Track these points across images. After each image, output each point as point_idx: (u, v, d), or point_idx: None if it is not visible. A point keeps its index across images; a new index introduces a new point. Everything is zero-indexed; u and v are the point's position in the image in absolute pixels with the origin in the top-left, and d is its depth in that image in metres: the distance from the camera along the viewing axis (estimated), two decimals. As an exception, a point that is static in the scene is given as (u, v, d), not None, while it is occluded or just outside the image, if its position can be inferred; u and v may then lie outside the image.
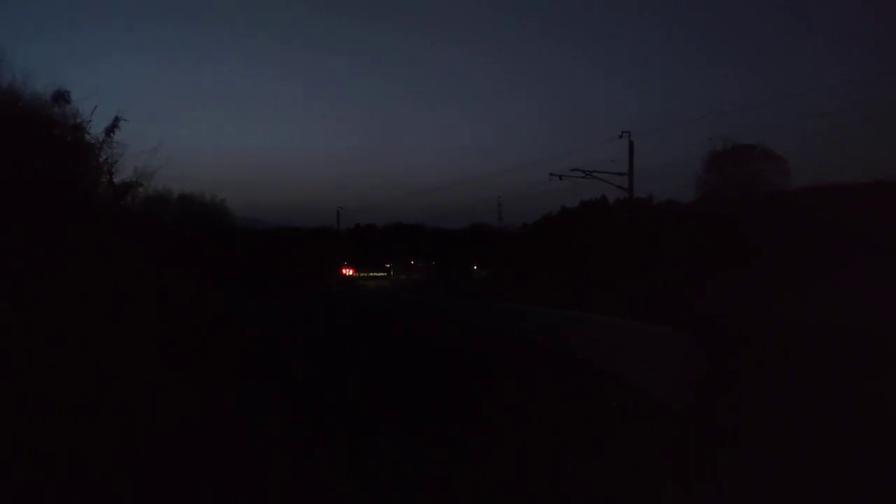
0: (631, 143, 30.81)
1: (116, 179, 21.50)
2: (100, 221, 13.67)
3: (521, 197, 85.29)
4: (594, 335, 11.03)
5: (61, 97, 19.16)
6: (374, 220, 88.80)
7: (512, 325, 15.94)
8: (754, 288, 21.73)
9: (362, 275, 77.13)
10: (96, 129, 19.53)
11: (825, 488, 5.02)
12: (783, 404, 7.18)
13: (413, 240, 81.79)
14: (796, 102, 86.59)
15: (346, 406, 8.19)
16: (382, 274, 78.75)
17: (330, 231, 72.56)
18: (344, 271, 74.37)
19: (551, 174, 34.28)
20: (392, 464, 5.77)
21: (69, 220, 11.32)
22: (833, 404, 7.08)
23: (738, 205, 34.88)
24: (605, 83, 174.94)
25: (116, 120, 20.04)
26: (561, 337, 12.48)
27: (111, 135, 19.82)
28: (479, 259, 74.55)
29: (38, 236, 10.20)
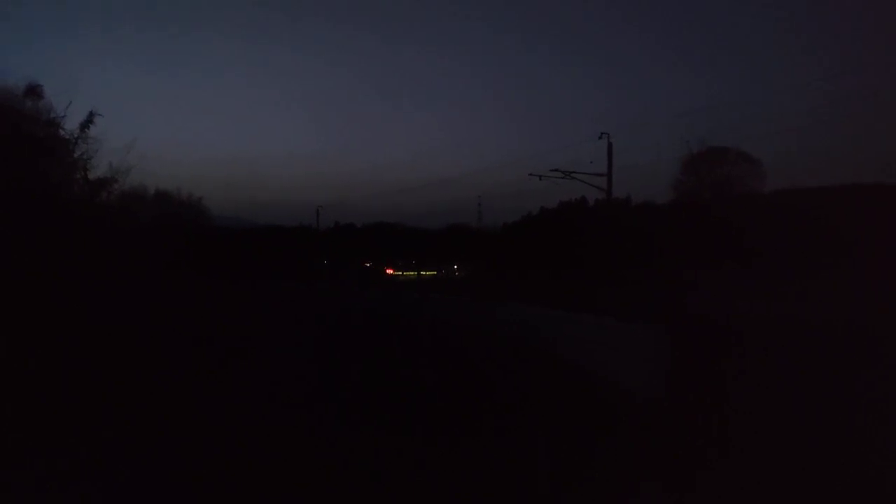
0: (610, 145, 31.01)
1: (91, 176, 20.89)
2: (70, 220, 13.37)
3: (500, 196, 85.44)
4: (588, 336, 11.09)
5: (34, 91, 18.55)
6: (352, 220, 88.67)
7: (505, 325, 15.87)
8: (734, 287, 22.14)
9: (403, 274, 78.43)
10: (71, 126, 18.92)
11: (811, 487, 5.05)
12: (768, 407, 7.28)
13: (394, 239, 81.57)
14: (773, 104, 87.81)
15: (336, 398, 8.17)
16: (433, 272, 79.67)
17: (310, 230, 72.09)
18: (388, 272, 75.45)
19: (531, 174, 34.42)
20: (373, 462, 5.72)
21: (38, 219, 11.06)
22: (816, 399, 7.17)
23: (714, 206, 35.43)
24: (583, 83, 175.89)
25: (91, 115, 19.37)
26: (552, 338, 12.55)
27: (86, 130, 19.18)
28: (459, 258, 74.72)
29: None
